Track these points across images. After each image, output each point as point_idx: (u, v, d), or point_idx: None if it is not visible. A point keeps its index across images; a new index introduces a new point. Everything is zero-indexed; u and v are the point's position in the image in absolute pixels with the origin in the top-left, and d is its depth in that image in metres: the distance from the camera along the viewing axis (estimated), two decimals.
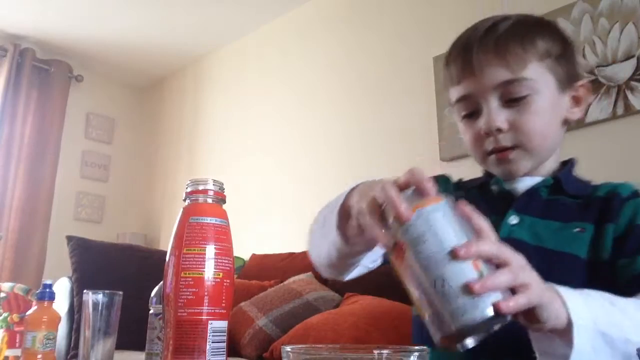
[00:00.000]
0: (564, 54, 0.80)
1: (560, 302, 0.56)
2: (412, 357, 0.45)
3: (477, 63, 0.77)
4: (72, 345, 2.20)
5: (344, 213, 0.68)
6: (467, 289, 0.49)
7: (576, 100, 0.83)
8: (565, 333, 0.56)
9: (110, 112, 3.98)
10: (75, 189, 3.71)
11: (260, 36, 3.32)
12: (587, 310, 0.57)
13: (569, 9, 1.95)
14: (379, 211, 0.56)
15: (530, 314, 0.55)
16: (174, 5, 3.13)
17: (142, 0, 3.10)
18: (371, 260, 0.79)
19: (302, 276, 2.20)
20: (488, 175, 0.85)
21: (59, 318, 1.11)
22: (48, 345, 1.06)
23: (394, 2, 2.58)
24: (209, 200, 0.61)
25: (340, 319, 1.73)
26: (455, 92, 0.81)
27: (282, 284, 2.19)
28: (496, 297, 0.50)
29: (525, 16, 0.82)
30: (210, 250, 0.59)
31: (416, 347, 0.45)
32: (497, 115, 0.76)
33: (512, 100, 0.76)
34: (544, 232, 0.76)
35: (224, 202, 0.63)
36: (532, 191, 0.80)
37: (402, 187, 0.56)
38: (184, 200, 0.62)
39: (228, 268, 0.60)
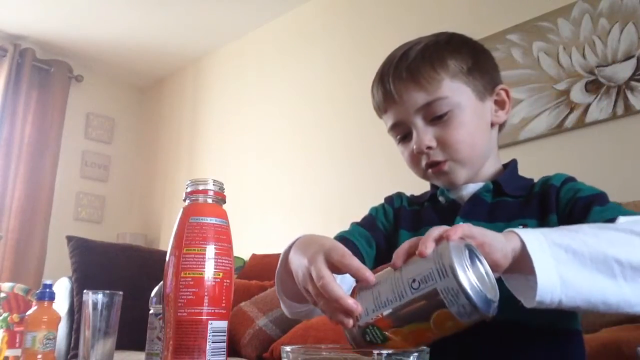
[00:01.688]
0: (475, 67, 0.83)
1: (513, 234, 0.60)
2: (411, 357, 0.45)
3: (396, 91, 0.82)
4: (72, 345, 2.21)
5: (289, 274, 0.69)
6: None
7: (499, 104, 0.87)
8: (524, 260, 0.58)
9: (110, 112, 3.98)
10: (75, 189, 3.71)
11: (260, 36, 3.32)
12: (539, 232, 0.61)
13: (569, 9, 1.95)
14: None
15: (486, 253, 0.57)
16: (174, 5, 3.13)
17: (142, 1, 3.10)
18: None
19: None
20: (435, 188, 0.90)
21: (59, 318, 1.11)
22: (48, 345, 1.06)
23: (394, 2, 2.58)
24: (209, 200, 0.62)
25: None
26: (386, 120, 0.87)
27: None
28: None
29: (436, 37, 0.86)
30: (210, 250, 0.59)
31: (416, 347, 0.45)
32: (424, 135, 0.81)
33: (436, 118, 0.81)
34: None
35: (224, 202, 0.63)
36: (475, 197, 0.83)
37: (336, 272, 0.58)
38: (184, 200, 0.62)
39: (228, 268, 0.60)
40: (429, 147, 0.81)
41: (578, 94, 1.88)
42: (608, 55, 1.84)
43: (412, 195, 0.96)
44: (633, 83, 1.77)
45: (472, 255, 0.54)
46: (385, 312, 0.53)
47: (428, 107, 0.80)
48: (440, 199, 0.87)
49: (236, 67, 3.44)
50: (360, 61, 2.63)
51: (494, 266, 0.57)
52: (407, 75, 0.81)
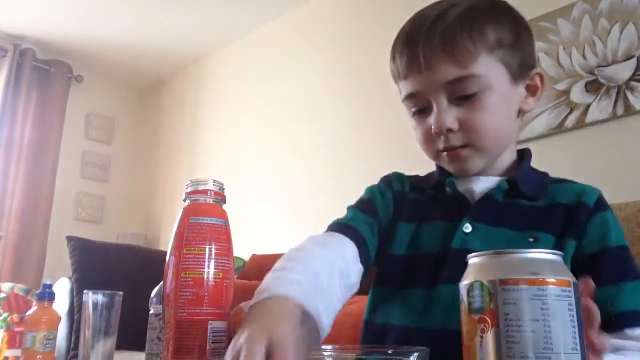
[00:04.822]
0: (517, 42, 0.75)
1: None
2: (411, 357, 0.45)
3: (424, 59, 0.72)
4: (72, 345, 2.21)
5: None
6: None
7: (531, 90, 0.78)
8: None
9: (110, 112, 3.98)
10: (75, 189, 3.71)
11: (260, 36, 3.32)
12: None
13: (569, 9, 1.95)
14: None
15: None
16: (174, 5, 3.13)
17: (142, 1, 3.10)
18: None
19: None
20: (442, 173, 0.81)
21: (59, 318, 1.11)
22: (48, 345, 1.06)
23: (394, 3, 2.58)
24: (209, 201, 0.61)
25: (340, 319, 1.73)
26: (403, 88, 0.77)
27: None
28: None
29: (477, 0, 0.76)
30: (210, 250, 0.59)
31: (416, 347, 0.45)
32: (446, 115, 0.72)
33: (462, 97, 0.72)
34: (497, 242, 0.71)
35: (224, 202, 0.63)
36: (487, 197, 0.76)
37: None
38: (184, 200, 0.62)
39: (228, 268, 0.60)
40: (450, 130, 0.72)
41: (578, 94, 1.88)
42: (608, 55, 1.84)
43: (415, 177, 0.86)
44: (633, 83, 1.77)
45: None
46: None
47: (457, 83, 0.71)
48: (447, 189, 0.79)
49: (236, 68, 3.44)
50: (360, 62, 2.63)
51: None
52: (441, 42, 0.71)
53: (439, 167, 0.82)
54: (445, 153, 0.75)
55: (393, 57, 0.79)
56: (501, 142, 0.76)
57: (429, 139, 0.76)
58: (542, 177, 0.79)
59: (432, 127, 0.73)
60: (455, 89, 0.72)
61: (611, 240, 0.71)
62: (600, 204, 0.74)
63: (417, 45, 0.73)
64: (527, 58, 0.77)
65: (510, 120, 0.76)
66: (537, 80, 0.78)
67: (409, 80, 0.75)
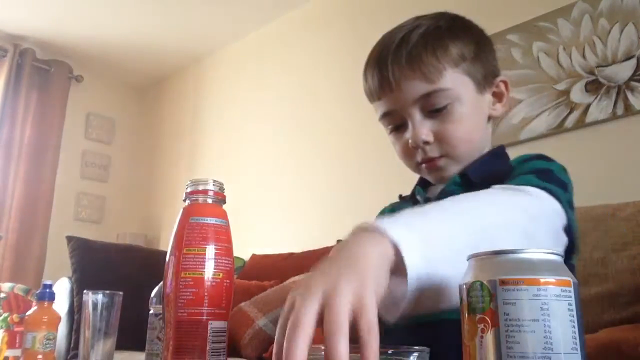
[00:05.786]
0: (478, 54, 0.80)
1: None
2: (412, 357, 0.45)
3: (394, 79, 0.77)
4: (72, 345, 2.21)
5: None
6: None
7: (498, 97, 0.84)
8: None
9: (110, 112, 3.98)
10: (75, 189, 3.71)
11: (260, 36, 3.32)
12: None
13: (569, 9, 1.95)
14: None
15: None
16: (174, 5, 3.13)
17: (142, 1, 3.10)
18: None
19: (302, 276, 2.20)
20: (423, 183, 0.87)
21: (59, 318, 1.11)
22: (48, 345, 1.06)
23: (395, 3, 2.58)
24: (209, 201, 0.61)
25: None
26: (378, 108, 0.83)
27: (282, 284, 2.19)
28: None
29: (437, 20, 0.82)
30: (210, 250, 0.59)
31: (416, 347, 0.45)
32: (421, 128, 0.77)
33: (434, 110, 0.77)
34: None
35: (224, 202, 0.63)
36: (442, 192, 0.79)
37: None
38: (184, 200, 0.62)
39: (228, 268, 0.60)
40: (426, 142, 0.78)
41: (578, 94, 1.88)
42: (608, 56, 1.84)
43: (401, 196, 0.92)
44: (633, 83, 1.77)
45: None
46: None
47: (427, 98, 0.76)
48: (418, 197, 0.84)
49: (236, 68, 3.44)
50: (361, 61, 2.62)
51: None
52: (408, 62, 0.77)
53: (421, 179, 0.88)
54: (424, 165, 0.80)
55: (365, 80, 0.85)
56: (474, 149, 0.81)
57: (407, 153, 0.81)
58: (501, 165, 0.81)
59: (409, 141, 0.78)
60: (426, 104, 0.77)
61: (529, 166, 0.72)
62: (529, 159, 0.75)
63: (387, 67, 0.78)
64: (490, 67, 0.82)
65: (481, 127, 0.82)
66: (502, 87, 0.84)
67: (382, 100, 0.81)
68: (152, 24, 3.33)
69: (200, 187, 0.62)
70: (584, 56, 1.89)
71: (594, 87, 1.85)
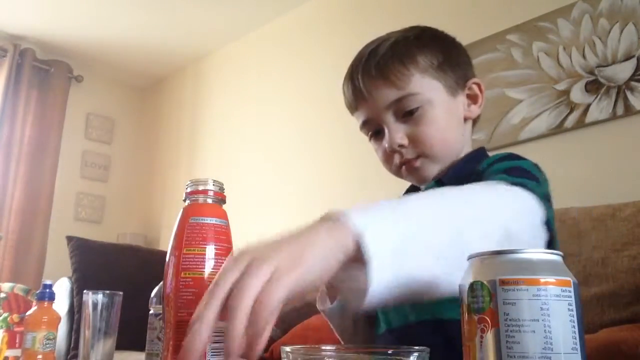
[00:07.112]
0: (447, 60, 0.83)
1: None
2: (412, 357, 0.45)
3: (365, 88, 0.82)
4: (72, 345, 2.21)
5: None
6: None
7: (472, 99, 0.86)
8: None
9: (110, 112, 3.98)
10: (75, 189, 3.71)
11: (260, 36, 3.32)
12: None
13: (569, 9, 1.95)
14: None
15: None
16: (174, 5, 3.13)
17: (142, 1, 3.10)
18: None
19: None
20: (409, 189, 0.91)
21: (59, 318, 1.11)
22: (48, 345, 1.06)
23: (395, 2, 2.58)
24: (209, 201, 0.61)
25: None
26: (357, 118, 0.87)
27: None
28: None
29: (405, 32, 0.86)
30: (210, 250, 0.59)
31: (416, 347, 0.45)
32: (396, 132, 0.81)
33: (406, 114, 0.80)
34: None
35: (224, 202, 0.63)
36: None
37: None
38: (184, 200, 0.62)
39: None
40: (401, 145, 0.81)
41: (578, 94, 1.88)
42: (608, 56, 1.84)
43: None
44: (633, 83, 1.77)
45: None
46: None
47: (398, 103, 0.80)
48: None
49: (236, 67, 3.44)
50: None
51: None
52: (377, 72, 0.81)
53: (412, 185, 0.91)
54: (403, 167, 0.84)
55: (343, 93, 0.90)
56: (451, 148, 0.83)
57: (387, 158, 0.85)
58: (471, 168, 0.80)
59: (386, 146, 0.82)
60: (398, 109, 0.81)
61: (502, 165, 0.73)
62: (499, 160, 0.76)
63: (358, 79, 0.83)
64: (461, 72, 0.85)
65: (455, 128, 0.84)
66: (476, 89, 0.86)
67: (359, 110, 0.85)
68: (152, 24, 3.33)
69: (200, 187, 0.62)
70: (584, 56, 1.89)
71: (594, 87, 1.85)
